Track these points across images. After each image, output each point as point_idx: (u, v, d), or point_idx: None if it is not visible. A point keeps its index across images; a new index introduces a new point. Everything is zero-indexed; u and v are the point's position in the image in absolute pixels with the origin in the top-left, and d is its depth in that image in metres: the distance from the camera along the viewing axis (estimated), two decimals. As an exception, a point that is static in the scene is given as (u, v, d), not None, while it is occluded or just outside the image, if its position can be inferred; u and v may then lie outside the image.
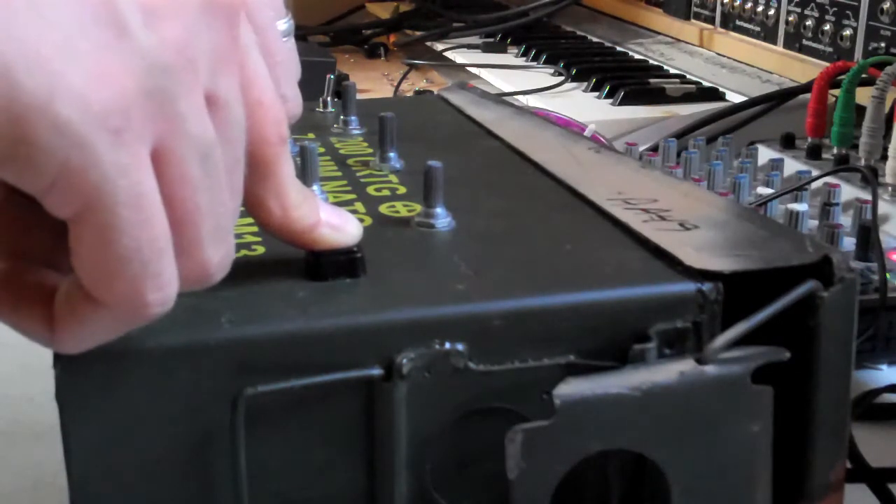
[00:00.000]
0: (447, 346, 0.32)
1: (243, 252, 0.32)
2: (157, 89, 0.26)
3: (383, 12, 1.55)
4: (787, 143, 0.85)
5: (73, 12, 0.25)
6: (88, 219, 0.26)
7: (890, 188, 0.74)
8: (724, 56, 1.18)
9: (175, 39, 0.26)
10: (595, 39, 1.34)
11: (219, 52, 0.28)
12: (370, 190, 0.43)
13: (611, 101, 1.02)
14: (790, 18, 1.06)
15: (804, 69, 1.01)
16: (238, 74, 0.29)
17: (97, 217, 0.26)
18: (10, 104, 0.24)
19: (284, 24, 0.37)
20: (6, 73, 0.24)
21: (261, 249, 0.36)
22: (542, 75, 1.14)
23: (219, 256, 0.29)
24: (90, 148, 0.25)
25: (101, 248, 0.26)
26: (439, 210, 0.39)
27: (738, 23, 1.16)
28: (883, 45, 0.93)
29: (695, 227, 0.38)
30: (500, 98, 0.63)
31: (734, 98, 1.01)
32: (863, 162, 0.78)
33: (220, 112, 0.28)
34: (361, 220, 0.39)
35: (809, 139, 0.83)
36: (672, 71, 1.14)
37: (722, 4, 1.19)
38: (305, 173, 0.40)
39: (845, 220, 0.69)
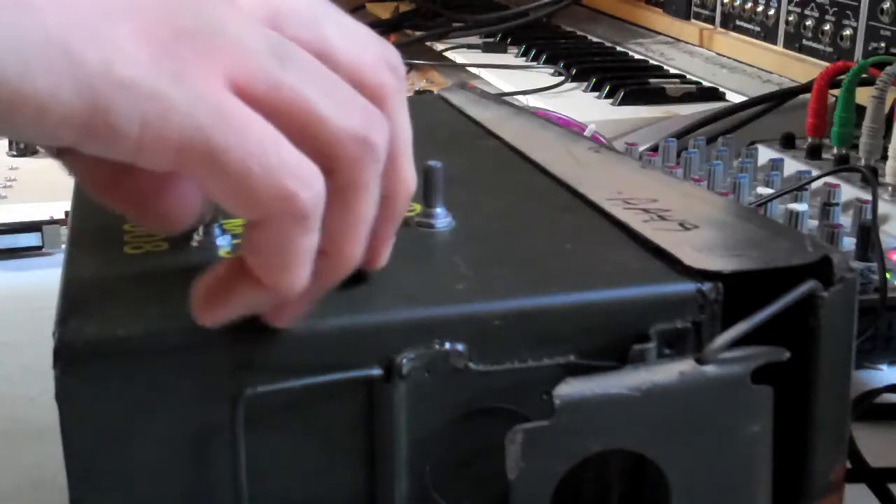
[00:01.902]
0: (447, 346, 0.32)
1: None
2: (197, 25, 0.27)
3: (383, 12, 1.55)
4: (787, 143, 0.85)
5: None
6: (191, 157, 0.26)
7: (890, 188, 0.74)
8: (724, 56, 1.18)
9: None
10: (595, 39, 1.34)
11: None
12: (370, 190, 0.43)
13: (611, 101, 1.02)
14: (790, 18, 1.06)
15: (804, 69, 1.01)
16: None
17: (197, 150, 0.26)
18: (77, 79, 0.25)
19: None
20: (65, 50, 0.25)
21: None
22: (542, 75, 1.14)
23: (356, 120, 0.29)
24: (159, 94, 0.26)
25: (219, 174, 0.27)
26: (439, 210, 0.39)
27: (738, 23, 1.16)
28: (883, 45, 0.93)
29: (695, 227, 0.38)
30: (500, 98, 0.63)
31: (734, 98, 1.01)
32: (863, 162, 0.78)
33: (284, 21, 0.29)
34: (361, 220, 0.39)
35: (809, 139, 0.83)
36: (672, 71, 1.14)
37: (722, 4, 1.19)
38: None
39: (845, 220, 0.69)
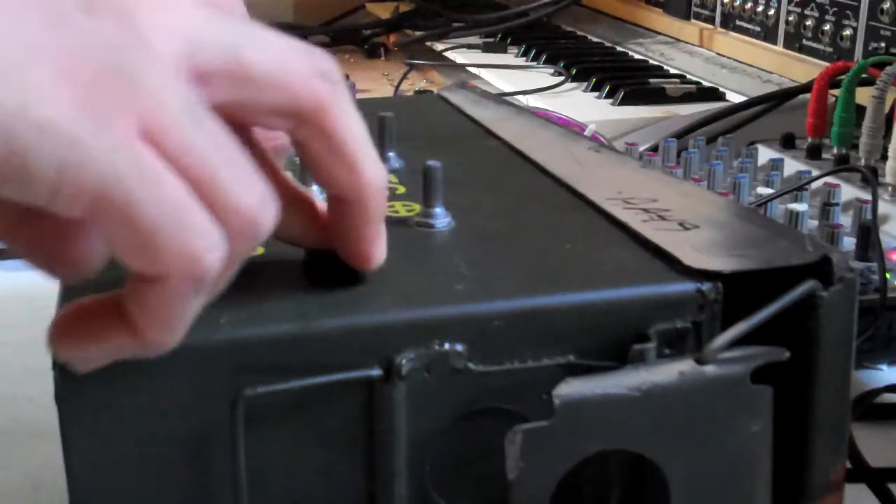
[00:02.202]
0: (447, 346, 0.32)
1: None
2: (116, 68, 0.26)
3: (383, 12, 1.55)
4: (787, 143, 0.85)
5: (16, 12, 0.25)
6: (104, 206, 0.26)
7: (890, 188, 0.74)
8: (724, 56, 1.18)
9: (115, 23, 0.27)
10: (595, 39, 1.34)
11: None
12: (370, 190, 0.43)
13: (611, 101, 1.02)
14: (790, 18, 1.06)
15: (804, 69, 1.01)
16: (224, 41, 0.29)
17: (111, 200, 0.26)
18: None
19: None
20: None
21: (260, 250, 0.36)
22: (542, 75, 1.14)
23: (253, 198, 0.28)
24: (78, 138, 0.25)
25: (130, 226, 0.26)
26: (439, 210, 0.39)
27: (738, 23, 1.16)
28: (883, 45, 0.93)
29: (695, 227, 0.38)
30: (500, 98, 0.63)
31: (734, 98, 1.01)
32: (863, 162, 0.78)
33: (201, 55, 0.28)
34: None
35: (809, 139, 0.83)
36: (672, 71, 1.14)
37: (722, 4, 1.19)
38: (305, 173, 0.40)
39: (845, 220, 0.69)
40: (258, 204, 0.28)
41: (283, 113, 0.30)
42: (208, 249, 0.27)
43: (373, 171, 0.32)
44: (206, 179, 0.27)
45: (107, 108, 0.26)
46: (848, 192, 0.73)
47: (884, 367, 0.60)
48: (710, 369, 0.32)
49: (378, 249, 0.33)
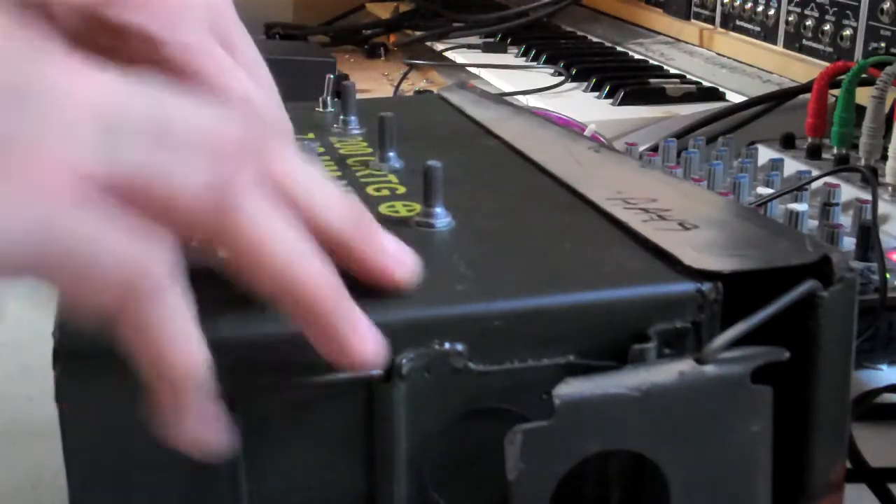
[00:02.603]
0: (447, 346, 0.32)
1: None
2: (11, 134, 0.26)
3: (383, 12, 1.55)
4: (787, 143, 0.85)
5: None
6: (31, 267, 0.26)
7: (890, 188, 0.74)
8: (724, 56, 1.18)
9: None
10: (595, 39, 1.34)
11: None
12: (370, 190, 0.43)
13: (611, 101, 1.02)
14: (790, 18, 1.06)
15: (804, 69, 1.01)
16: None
17: (37, 261, 0.26)
18: None
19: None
20: None
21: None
22: (542, 75, 1.14)
23: (202, 176, 0.28)
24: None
25: (63, 275, 0.26)
26: (439, 210, 0.39)
27: (738, 23, 1.16)
28: (883, 45, 0.93)
29: (694, 227, 0.38)
30: (500, 98, 0.63)
31: (734, 98, 1.01)
32: (863, 162, 0.78)
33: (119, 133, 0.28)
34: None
35: (809, 139, 0.83)
36: (672, 71, 1.14)
37: (722, 4, 1.19)
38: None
39: (845, 220, 0.69)
40: (209, 179, 0.28)
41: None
42: (143, 271, 0.27)
43: (334, 210, 0.31)
44: (144, 188, 0.27)
45: (11, 171, 0.25)
46: (848, 192, 0.73)
47: (884, 367, 0.60)
48: (710, 369, 0.32)
49: (394, 261, 0.32)
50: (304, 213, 0.30)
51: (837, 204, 0.69)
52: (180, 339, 0.28)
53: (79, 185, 0.26)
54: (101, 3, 0.34)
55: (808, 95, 0.85)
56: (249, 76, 0.36)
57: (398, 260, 0.32)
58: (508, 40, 1.31)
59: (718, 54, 1.19)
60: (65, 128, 0.26)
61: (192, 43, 0.35)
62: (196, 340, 0.28)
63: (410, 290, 0.33)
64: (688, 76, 1.11)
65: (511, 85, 1.10)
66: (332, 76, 0.60)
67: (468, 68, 1.21)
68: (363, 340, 0.30)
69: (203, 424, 0.29)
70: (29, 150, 0.26)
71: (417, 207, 0.40)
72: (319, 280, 0.29)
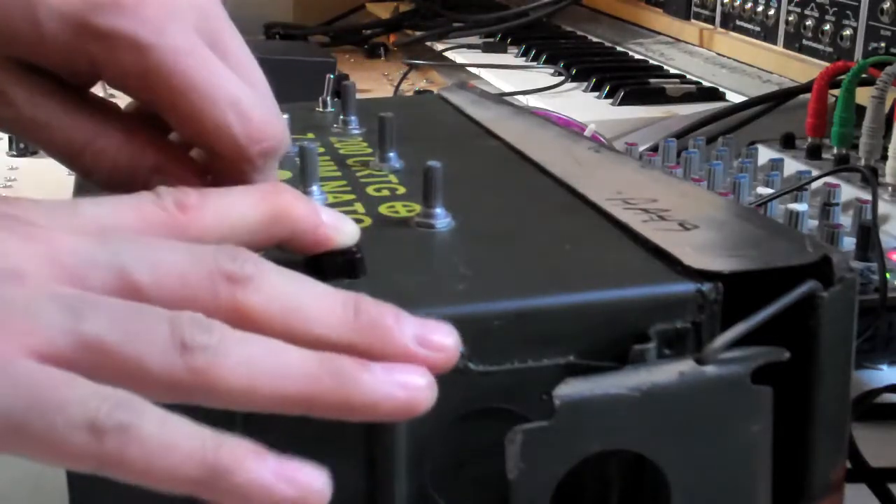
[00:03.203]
0: (447, 346, 0.32)
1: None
2: None
3: (383, 12, 1.55)
4: (787, 143, 0.85)
5: None
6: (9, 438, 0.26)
7: (890, 188, 0.74)
8: (724, 56, 1.18)
9: None
10: (595, 39, 1.34)
11: None
12: (370, 190, 0.43)
13: (611, 101, 1.02)
14: (790, 18, 1.06)
15: (804, 69, 1.01)
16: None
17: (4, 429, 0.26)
18: None
19: None
20: None
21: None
22: (542, 75, 1.14)
23: (157, 354, 0.27)
24: None
25: (27, 442, 0.26)
26: (439, 210, 0.39)
27: (738, 23, 1.16)
28: (883, 45, 0.93)
29: (694, 227, 0.38)
30: (500, 98, 0.63)
31: (734, 98, 1.01)
32: (863, 162, 0.78)
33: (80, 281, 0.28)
34: (361, 221, 0.39)
35: (809, 139, 0.83)
36: (672, 71, 1.14)
37: (722, 4, 1.19)
38: (305, 173, 0.40)
39: (845, 220, 0.69)
40: (160, 357, 0.28)
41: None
42: (115, 436, 0.26)
43: (334, 321, 0.30)
44: (117, 359, 0.27)
45: None
46: (848, 192, 0.73)
47: (884, 367, 0.60)
48: (710, 369, 0.32)
49: (416, 342, 0.30)
50: (295, 332, 0.29)
51: (837, 204, 0.69)
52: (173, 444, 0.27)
53: (41, 358, 0.27)
54: (89, 10, 0.34)
55: (808, 95, 0.85)
56: (240, 77, 0.36)
57: (423, 340, 0.30)
58: (508, 40, 1.31)
59: (718, 54, 1.19)
60: (24, 306, 0.27)
61: (180, 46, 0.35)
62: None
63: (410, 292, 0.33)
64: (688, 76, 1.11)
65: (511, 85, 1.10)
66: (332, 76, 0.60)
67: (468, 68, 1.21)
68: (387, 397, 0.29)
69: None
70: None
71: (417, 207, 0.40)
72: (319, 374, 0.29)
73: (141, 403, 0.27)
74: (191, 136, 0.36)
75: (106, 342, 0.27)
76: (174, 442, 0.27)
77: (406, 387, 0.29)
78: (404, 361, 0.29)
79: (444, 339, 0.30)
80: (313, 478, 0.27)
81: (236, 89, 0.35)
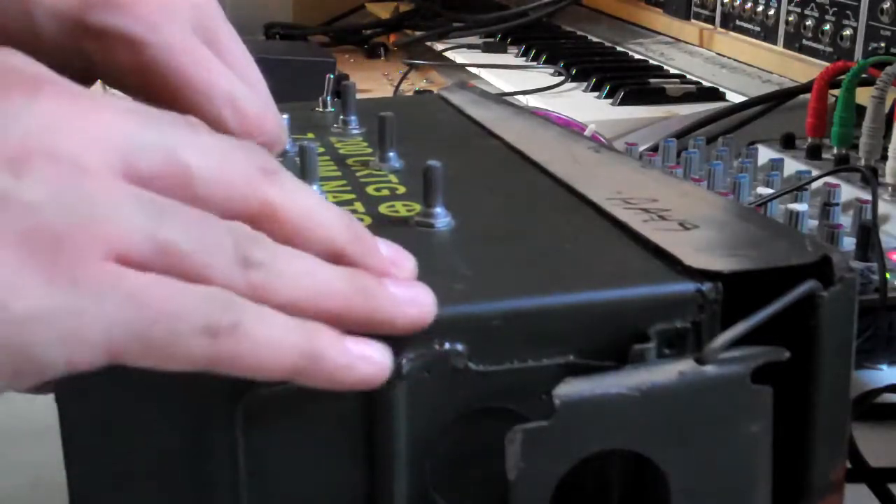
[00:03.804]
0: (447, 346, 0.32)
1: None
2: (67, 224, 0.26)
3: (383, 12, 1.55)
4: (787, 143, 0.85)
5: None
6: (121, 349, 0.27)
7: (890, 188, 0.74)
8: (724, 56, 1.18)
9: (44, 168, 0.27)
10: (595, 39, 1.34)
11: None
12: (370, 190, 0.43)
13: (611, 101, 1.02)
14: (790, 18, 1.06)
15: (804, 69, 1.01)
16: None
17: (124, 342, 0.27)
18: None
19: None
20: None
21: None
22: (542, 75, 1.14)
23: (228, 257, 0.28)
24: (66, 312, 0.26)
25: (150, 349, 0.27)
26: (439, 210, 0.39)
27: (738, 23, 1.16)
28: (883, 45, 0.93)
29: (695, 227, 0.38)
30: (500, 98, 0.63)
31: (734, 98, 1.01)
32: (863, 162, 0.78)
33: (143, 178, 0.29)
34: (361, 220, 0.39)
35: (809, 139, 0.83)
36: (672, 71, 1.14)
37: (722, 4, 1.19)
38: (305, 173, 0.40)
39: (845, 220, 0.69)
40: (236, 257, 0.29)
41: (234, 213, 0.30)
42: (220, 316, 0.28)
43: (335, 228, 0.31)
44: (186, 266, 0.28)
45: (78, 264, 0.26)
46: (848, 192, 0.73)
47: (884, 367, 0.60)
48: (710, 369, 0.32)
49: (394, 267, 0.32)
50: (307, 234, 0.31)
51: (837, 204, 0.69)
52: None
53: (123, 261, 0.27)
54: (84, 8, 0.34)
55: (808, 95, 0.85)
56: (236, 74, 0.36)
57: (398, 265, 0.32)
58: (508, 40, 1.31)
59: (718, 54, 1.19)
60: (105, 207, 0.27)
61: (176, 43, 0.35)
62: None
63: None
64: (688, 76, 1.11)
65: (511, 85, 1.10)
66: (332, 76, 0.60)
67: (468, 68, 1.21)
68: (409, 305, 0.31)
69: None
70: (88, 235, 0.26)
71: (417, 207, 0.40)
72: (350, 291, 0.30)
73: (241, 301, 0.28)
74: None
75: (182, 249, 0.28)
76: (277, 335, 0.28)
77: (417, 303, 0.31)
78: (382, 271, 0.32)
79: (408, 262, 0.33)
80: (380, 352, 0.30)
81: (232, 85, 0.36)
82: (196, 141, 0.30)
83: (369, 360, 0.30)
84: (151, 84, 0.35)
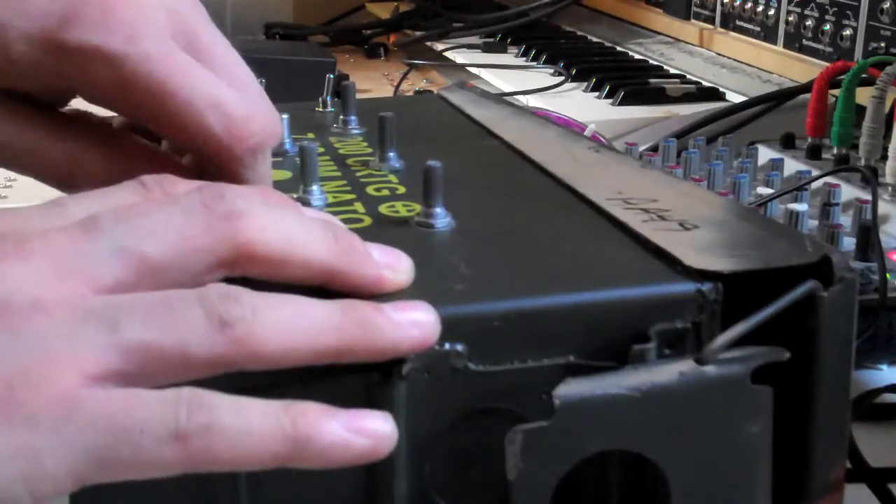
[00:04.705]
0: (447, 346, 0.32)
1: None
2: (18, 370, 0.26)
3: (383, 12, 1.55)
4: (787, 143, 0.85)
5: None
6: (92, 473, 0.27)
7: (890, 188, 0.74)
8: (724, 56, 1.18)
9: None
10: (595, 39, 1.34)
11: None
12: (370, 190, 0.43)
13: (611, 101, 1.02)
14: (790, 18, 1.06)
15: (804, 69, 1.01)
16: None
17: (92, 467, 0.27)
18: None
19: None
20: None
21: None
22: (542, 75, 1.14)
23: (196, 338, 0.28)
24: (27, 457, 0.26)
25: (115, 466, 0.27)
26: (439, 210, 0.39)
27: (738, 23, 1.16)
28: (883, 45, 0.93)
29: (695, 227, 0.38)
30: (500, 98, 0.63)
31: (734, 98, 1.01)
32: (863, 162, 0.78)
33: (114, 287, 0.29)
34: (360, 221, 0.39)
35: (809, 139, 0.83)
36: (672, 71, 1.14)
37: (722, 4, 1.19)
38: (305, 173, 0.40)
39: (845, 220, 0.69)
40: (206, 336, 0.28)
41: (212, 268, 0.30)
42: (181, 434, 0.27)
43: (320, 246, 0.31)
44: (162, 355, 0.28)
45: (26, 404, 0.26)
46: (848, 192, 0.73)
47: (884, 367, 0.60)
48: (709, 370, 0.32)
49: (387, 270, 0.32)
50: (292, 260, 0.31)
51: (837, 204, 0.69)
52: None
53: (95, 380, 0.27)
54: (56, 27, 0.33)
55: (808, 95, 0.85)
56: (220, 74, 0.36)
57: (393, 268, 0.32)
58: (508, 40, 1.31)
59: (718, 54, 1.19)
60: (62, 337, 0.27)
61: (152, 53, 0.34)
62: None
63: (410, 291, 0.33)
64: (688, 76, 1.11)
65: (511, 85, 1.10)
66: (332, 76, 0.61)
67: (468, 68, 1.21)
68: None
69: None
70: (44, 372, 0.26)
71: (417, 207, 0.40)
72: (345, 324, 0.30)
73: (209, 396, 0.28)
74: (176, 142, 0.36)
75: (148, 342, 0.27)
76: (253, 426, 0.28)
77: (419, 324, 0.31)
78: (375, 283, 0.32)
79: (404, 263, 0.33)
80: (380, 423, 0.29)
81: (213, 89, 0.35)
82: (147, 224, 0.29)
83: (368, 433, 0.29)
84: (132, 98, 0.34)
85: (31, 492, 0.26)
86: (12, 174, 0.89)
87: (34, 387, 0.26)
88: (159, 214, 0.30)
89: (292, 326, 0.29)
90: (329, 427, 0.28)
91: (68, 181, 0.36)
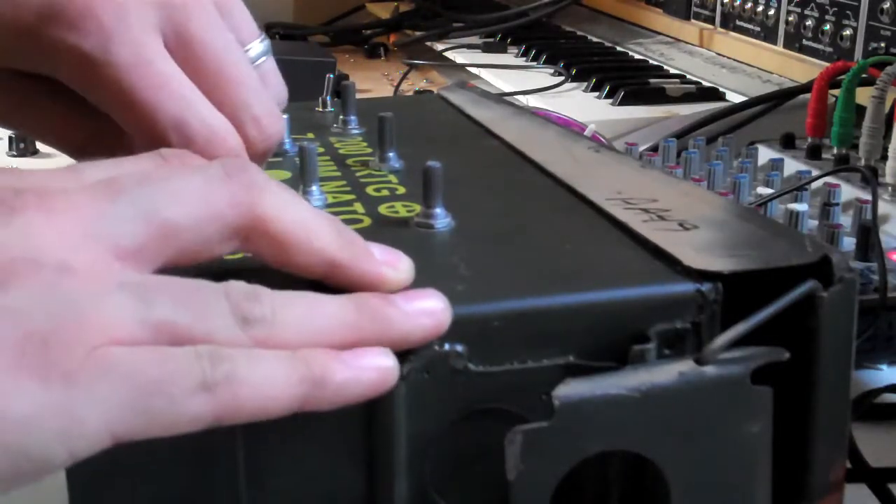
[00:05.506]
0: (446, 346, 0.32)
1: (242, 255, 0.32)
2: (54, 325, 0.27)
3: (383, 12, 1.55)
4: (787, 143, 0.85)
5: None
6: (124, 431, 0.27)
7: (890, 188, 0.74)
8: (724, 56, 1.18)
9: (27, 276, 0.27)
10: (595, 39, 1.34)
11: None
12: (369, 190, 0.43)
13: (611, 101, 1.02)
14: (790, 18, 1.06)
15: (804, 69, 1.01)
16: None
17: (124, 426, 0.27)
18: None
19: (260, 43, 0.37)
20: None
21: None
22: (542, 75, 1.14)
23: (218, 321, 0.29)
24: (62, 411, 0.26)
25: (148, 422, 0.27)
26: (439, 210, 0.39)
27: (738, 23, 1.16)
28: (883, 45, 0.93)
29: (694, 227, 0.38)
30: (500, 98, 0.63)
31: (734, 98, 1.00)
32: (863, 162, 0.78)
33: (133, 252, 0.29)
34: (360, 221, 0.39)
35: (809, 139, 0.83)
36: (672, 71, 1.14)
37: (722, 4, 1.19)
38: (304, 173, 0.40)
39: (845, 220, 0.69)
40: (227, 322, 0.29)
41: (227, 237, 0.30)
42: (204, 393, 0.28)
43: (327, 236, 0.31)
44: (187, 339, 0.28)
45: (67, 360, 0.26)
46: (848, 192, 0.73)
47: (884, 367, 0.60)
48: (709, 370, 0.32)
49: (387, 268, 0.32)
50: (299, 245, 0.31)
51: (837, 204, 0.69)
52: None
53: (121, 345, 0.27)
54: (39, 24, 0.33)
55: (808, 95, 0.85)
56: (208, 78, 0.35)
57: (393, 266, 0.32)
58: (508, 40, 1.31)
59: (718, 54, 1.19)
60: (92, 302, 0.27)
61: (128, 60, 0.34)
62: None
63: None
64: (688, 76, 1.11)
65: (511, 85, 1.09)
66: (332, 76, 0.61)
67: (468, 68, 1.21)
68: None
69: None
70: (77, 332, 0.27)
71: (417, 208, 0.40)
72: (359, 319, 0.31)
73: (228, 350, 0.28)
74: (140, 145, 0.36)
75: (178, 325, 0.28)
76: (270, 372, 0.28)
77: (430, 313, 0.31)
78: (375, 280, 0.32)
79: (403, 262, 0.33)
80: (382, 357, 0.30)
81: (181, 109, 0.35)
82: (169, 189, 0.29)
83: (373, 367, 0.30)
84: (101, 99, 0.35)
85: (69, 450, 0.26)
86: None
87: (68, 346, 0.26)
88: (181, 180, 0.30)
89: (309, 324, 0.30)
90: (341, 364, 0.29)
91: (81, 153, 0.36)
